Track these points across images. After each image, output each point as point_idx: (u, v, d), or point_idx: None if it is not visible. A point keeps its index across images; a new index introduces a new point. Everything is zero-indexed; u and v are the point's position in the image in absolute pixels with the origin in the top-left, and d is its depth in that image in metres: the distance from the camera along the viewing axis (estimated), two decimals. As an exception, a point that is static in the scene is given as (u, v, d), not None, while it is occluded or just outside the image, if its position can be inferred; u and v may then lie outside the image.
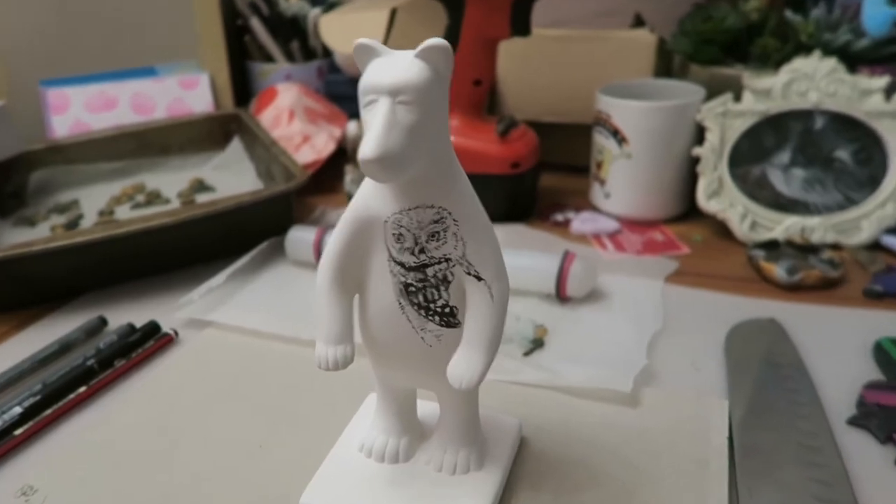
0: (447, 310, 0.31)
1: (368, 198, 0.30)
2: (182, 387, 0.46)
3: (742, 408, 0.41)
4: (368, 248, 0.31)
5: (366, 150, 0.25)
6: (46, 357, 0.48)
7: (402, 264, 0.30)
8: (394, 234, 0.30)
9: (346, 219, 0.31)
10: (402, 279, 0.30)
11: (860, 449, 0.38)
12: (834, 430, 0.39)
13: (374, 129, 0.26)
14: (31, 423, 0.42)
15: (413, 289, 0.30)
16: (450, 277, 0.30)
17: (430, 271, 0.30)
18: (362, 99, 0.27)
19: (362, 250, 0.31)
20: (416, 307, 0.31)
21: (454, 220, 0.30)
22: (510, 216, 0.67)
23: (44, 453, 0.40)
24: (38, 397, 0.43)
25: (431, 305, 0.31)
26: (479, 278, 0.30)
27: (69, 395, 0.44)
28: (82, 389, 0.45)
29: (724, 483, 0.36)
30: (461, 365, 0.30)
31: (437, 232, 0.29)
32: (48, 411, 0.43)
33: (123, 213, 0.71)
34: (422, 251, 0.30)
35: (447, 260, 0.30)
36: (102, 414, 0.44)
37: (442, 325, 0.31)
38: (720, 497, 0.35)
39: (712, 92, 0.64)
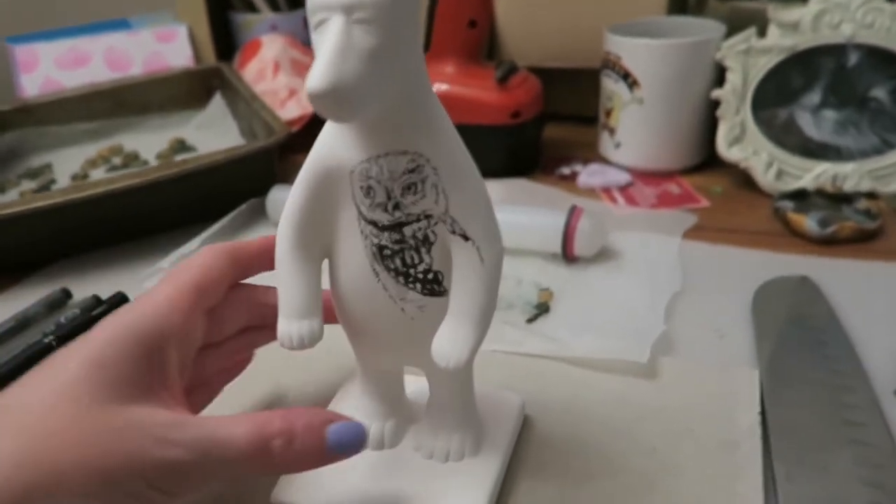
0: (430, 276, 0.26)
1: (330, 144, 0.25)
2: (150, 365, 0.41)
3: (774, 379, 0.36)
4: (334, 205, 0.26)
5: (313, 81, 0.20)
6: (2, 334, 0.44)
7: (374, 223, 0.25)
8: (362, 188, 0.25)
9: (305, 171, 0.26)
10: (376, 241, 0.25)
11: (912, 424, 0.33)
12: (880, 402, 0.34)
13: (324, 54, 0.20)
14: (-20, 410, 0.38)
15: (388, 252, 0.26)
16: (431, 238, 0.25)
17: (407, 231, 0.25)
18: (311, 19, 0.22)
19: (327, 208, 0.26)
20: (393, 273, 0.26)
21: (433, 168, 0.24)
22: (511, 170, 0.62)
23: (-7, 443, 0.36)
24: (-11, 380, 0.39)
25: (411, 271, 0.26)
26: (465, 238, 0.25)
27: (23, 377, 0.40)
28: (40, 370, 0.41)
29: (757, 467, 0.31)
30: (447, 341, 0.25)
31: (414, 183, 0.24)
32: (0, 395, 0.39)
33: (99, 176, 0.67)
34: (396, 207, 0.25)
35: (427, 217, 0.25)
36: (61, 397, 0.40)
37: (425, 294, 0.26)
38: (753, 483, 0.30)
39: (733, 28, 0.58)
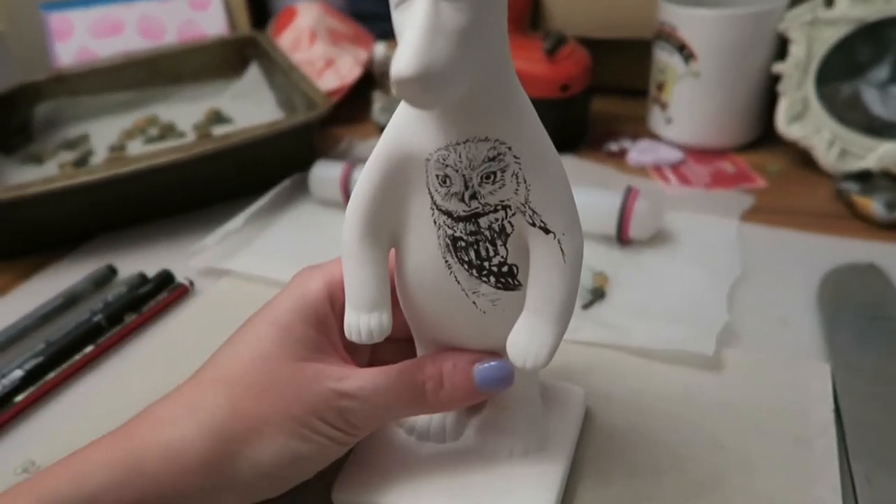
0: (504, 269, 0.25)
1: (405, 129, 0.24)
2: (198, 344, 0.40)
3: (846, 372, 0.35)
4: (406, 193, 0.25)
5: (402, 66, 0.19)
6: (50, 312, 0.44)
7: (448, 213, 0.24)
8: (438, 176, 0.23)
9: (377, 157, 0.24)
10: (450, 232, 0.24)
11: None
12: (962, 401, 0.33)
13: (413, 36, 0.19)
14: (32, 389, 0.38)
15: (463, 243, 0.24)
16: (508, 229, 0.24)
17: (483, 222, 0.24)
18: (394, -5, 0.20)
19: (399, 196, 0.25)
20: (466, 266, 0.25)
21: (514, 156, 0.23)
22: (558, 146, 0.59)
23: (47, 423, 0.36)
24: (40, 358, 0.39)
25: (485, 264, 0.25)
26: (546, 230, 0.24)
27: (75, 355, 0.40)
28: (89, 349, 0.40)
29: (833, 468, 0.30)
30: (525, 338, 0.24)
31: (493, 172, 0.23)
32: (51, 374, 0.39)
33: (136, 148, 0.66)
34: (473, 197, 0.23)
35: (505, 207, 0.24)
36: (111, 376, 0.39)
37: (498, 288, 0.25)
38: (831, 485, 0.29)
39: (797, -4, 0.55)
